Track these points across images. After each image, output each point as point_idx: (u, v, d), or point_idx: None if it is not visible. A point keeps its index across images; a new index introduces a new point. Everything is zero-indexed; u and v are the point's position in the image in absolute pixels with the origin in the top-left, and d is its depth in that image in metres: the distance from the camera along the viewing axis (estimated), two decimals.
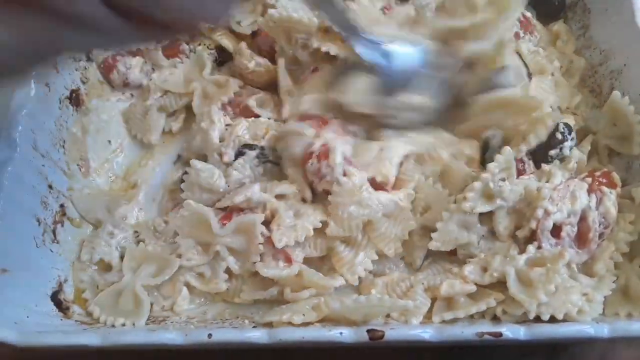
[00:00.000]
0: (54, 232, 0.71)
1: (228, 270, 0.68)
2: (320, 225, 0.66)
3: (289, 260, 0.66)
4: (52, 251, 0.70)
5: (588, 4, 0.86)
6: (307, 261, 0.68)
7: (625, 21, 0.77)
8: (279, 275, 0.65)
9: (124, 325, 0.65)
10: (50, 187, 0.72)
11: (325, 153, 0.67)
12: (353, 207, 0.65)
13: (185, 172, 0.72)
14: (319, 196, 0.70)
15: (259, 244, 0.65)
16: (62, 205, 0.74)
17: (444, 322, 0.63)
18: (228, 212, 0.69)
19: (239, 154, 0.72)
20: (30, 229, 0.68)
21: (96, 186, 0.79)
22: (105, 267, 0.72)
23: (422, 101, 0.70)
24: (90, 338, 0.58)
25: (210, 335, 0.57)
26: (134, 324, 0.65)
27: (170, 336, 0.58)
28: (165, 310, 0.68)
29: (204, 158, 0.74)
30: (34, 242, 0.68)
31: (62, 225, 0.73)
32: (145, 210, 0.77)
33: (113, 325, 0.65)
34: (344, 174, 0.66)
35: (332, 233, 0.66)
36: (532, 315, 0.60)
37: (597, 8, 0.83)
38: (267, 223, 0.67)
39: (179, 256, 0.68)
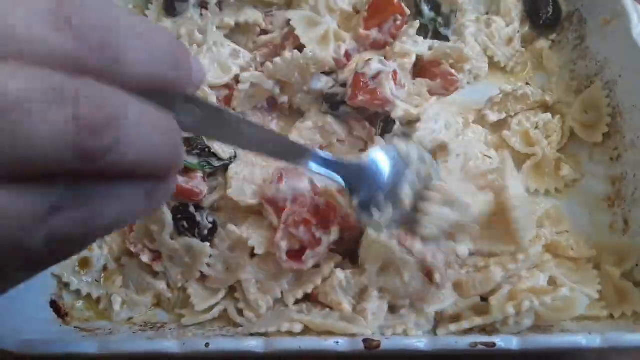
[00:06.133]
0: None
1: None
2: None
3: None
4: None
5: (584, 14, 0.86)
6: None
7: (621, 32, 0.77)
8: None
9: None
10: None
11: None
12: None
13: None
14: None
15: None
16: None
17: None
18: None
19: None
20: None
21: None
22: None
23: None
24: (89, 346, 0.59)
25: (207, 345, 0.58)
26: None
27: (168, 345, 0.58)
28: None
29: None
30: None
31: None
32: None
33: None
34: None
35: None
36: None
37: (593, 19, 0.84)
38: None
39: None
